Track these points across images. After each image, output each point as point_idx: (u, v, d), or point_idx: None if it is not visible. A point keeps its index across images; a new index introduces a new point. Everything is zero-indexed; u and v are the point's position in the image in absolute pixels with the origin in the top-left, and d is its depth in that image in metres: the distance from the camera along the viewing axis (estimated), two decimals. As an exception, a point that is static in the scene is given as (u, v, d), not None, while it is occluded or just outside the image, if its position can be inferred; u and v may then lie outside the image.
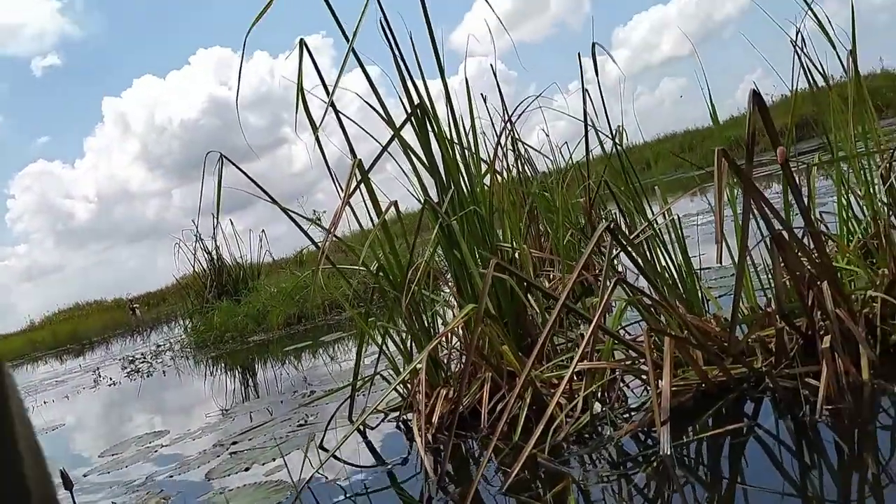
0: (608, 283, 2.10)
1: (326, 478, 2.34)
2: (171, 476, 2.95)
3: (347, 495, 2.16)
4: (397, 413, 2.89)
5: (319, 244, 2.88)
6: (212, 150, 2.88)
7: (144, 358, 8.92)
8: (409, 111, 2.64)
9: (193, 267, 11.05)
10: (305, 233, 3.02)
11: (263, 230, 11.52)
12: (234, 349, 7.67)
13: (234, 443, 3.22)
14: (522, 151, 4.88)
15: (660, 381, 1.93)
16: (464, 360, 2.67)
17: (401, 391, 2.90)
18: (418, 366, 2.39)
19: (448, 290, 3.01)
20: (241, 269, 11.08)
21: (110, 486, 3.07)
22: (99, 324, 24.70)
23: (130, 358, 9.37)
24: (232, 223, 11.38)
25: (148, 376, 7.29)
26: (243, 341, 7.94)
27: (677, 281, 2.46)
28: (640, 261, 2.18)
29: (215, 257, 10.94)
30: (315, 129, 2.69)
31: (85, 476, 3.32)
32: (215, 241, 10.86)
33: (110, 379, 7.78)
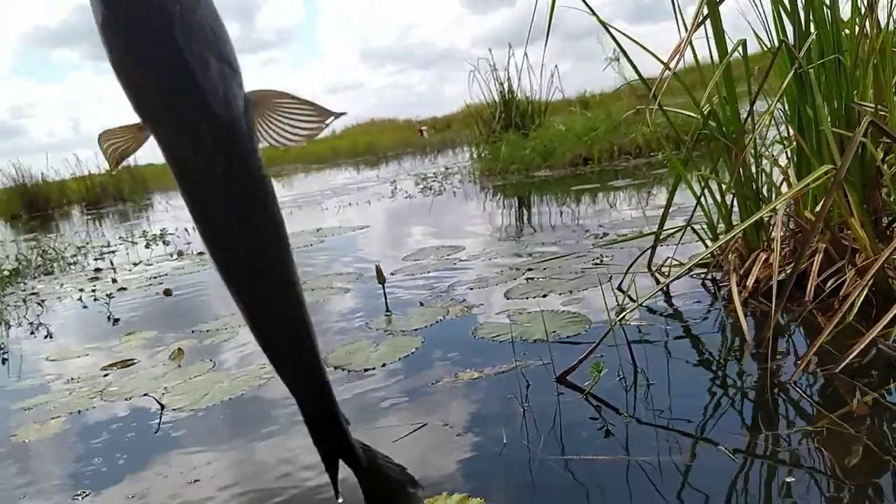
0: None
1: (622, 320, 2.31)
2: (472, 288, 3.14)
3: (648, 339, 2.13)
4: (703, 271, 2.75)
5: (647, 79, 2.69)
6: None
7: (435, 178, 9.50)
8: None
9: (484, 96, 11.29)
10: (633, 66, 2.82)
11: (556, 66, 11.32)
12: (519, 181, 7.86)
13: (530, 269, 3.33)
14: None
15: None
16: (793, 225, 2.43)
17: (710, 247, 2.74)
18: (745, 225, 2.20)
19: (783, 146, 2.70)
20: (530, 104, 11.10)
21: (417, 287, 3.37)
22: (391, 140, 26.75)
23: (423, 175, 10.04)
24: (526, 56, 11.32)
25: (439, 194, 7.79)
26: (528, 175, 8.09)
27: None
28: None
29: (506, 89, 11.05)
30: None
31: (392, 274, 3.66)
32: (508, 72, 10.92)
33: (406, 192, 8.45)
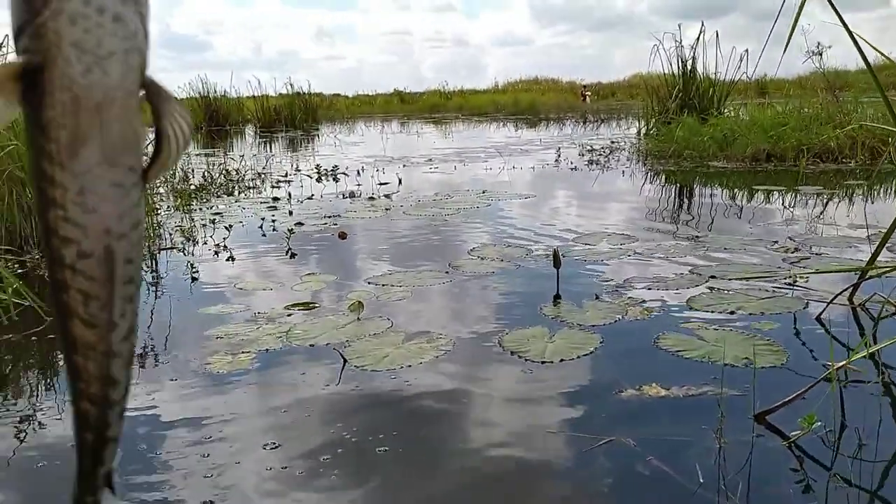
0: None
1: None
2: (649, 288, 3.03)
3: (859, 386, 1.97)
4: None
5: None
6: None
7: (602, 151, 9.26)
8: None
9: (664, 71, 10.79)
10: (868, 66, 2.56)
11: (747, 49, 10.58)
12: (692, 168, 7.51)
13: (713, 276, 3.17)
14: None
15: None
16: None
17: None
18: None
19: None
20: (713, 87, 10.51)
21: (589, 275, 3.30)
22: (553, 101, 26.32)
23: (588, 147, 9.81)
24: (717, 36, 10.66)
25: (605, 170, 7.59)
26: (703, 163, 7.70)
27: None
28: None
29: (689, 68, 10.50)
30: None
31: (563, 256, 3.60)
32: (695, 50, 10.37)
33: (570, 162, 8.29)
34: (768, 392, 1.87)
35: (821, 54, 9.49)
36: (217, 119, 17.59)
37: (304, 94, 18.52)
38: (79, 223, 0.47)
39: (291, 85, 18.41)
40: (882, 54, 3.01)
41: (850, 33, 2.61)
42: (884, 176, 6.20)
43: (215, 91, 17.93)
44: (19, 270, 3.49)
